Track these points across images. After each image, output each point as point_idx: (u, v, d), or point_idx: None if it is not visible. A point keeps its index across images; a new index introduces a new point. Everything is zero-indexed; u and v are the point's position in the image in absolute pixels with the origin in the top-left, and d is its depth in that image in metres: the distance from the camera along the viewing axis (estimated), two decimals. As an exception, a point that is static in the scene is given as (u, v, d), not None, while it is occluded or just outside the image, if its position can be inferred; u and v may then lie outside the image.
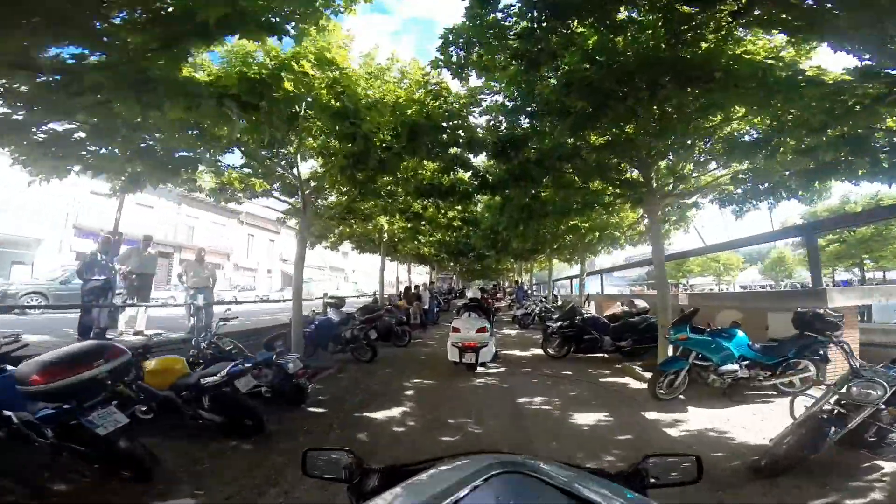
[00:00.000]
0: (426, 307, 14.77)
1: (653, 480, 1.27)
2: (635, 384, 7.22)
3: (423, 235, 15.68)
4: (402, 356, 10.20)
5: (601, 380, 7.64)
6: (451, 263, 31.43)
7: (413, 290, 14.25)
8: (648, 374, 6.76)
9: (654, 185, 8.42)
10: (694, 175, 8.67)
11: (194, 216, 33.95)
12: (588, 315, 9.83)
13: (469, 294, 10.82)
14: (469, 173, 9.53)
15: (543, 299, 17.66)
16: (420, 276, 35.24)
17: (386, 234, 14.70)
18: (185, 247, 32.71)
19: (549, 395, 6.53)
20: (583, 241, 14.53)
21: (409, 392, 6.81)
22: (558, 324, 9.52)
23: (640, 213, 12.89)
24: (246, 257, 39.22)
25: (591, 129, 7.16)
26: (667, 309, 7.94)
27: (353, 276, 51.67)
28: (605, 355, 9.37)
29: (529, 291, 24.06)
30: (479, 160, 9.52)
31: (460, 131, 7.67)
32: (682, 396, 6.05)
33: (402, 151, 7.06)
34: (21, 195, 20.28)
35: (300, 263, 8.50)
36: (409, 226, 13.92)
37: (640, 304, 10.95)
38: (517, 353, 10.52)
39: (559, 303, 16.65)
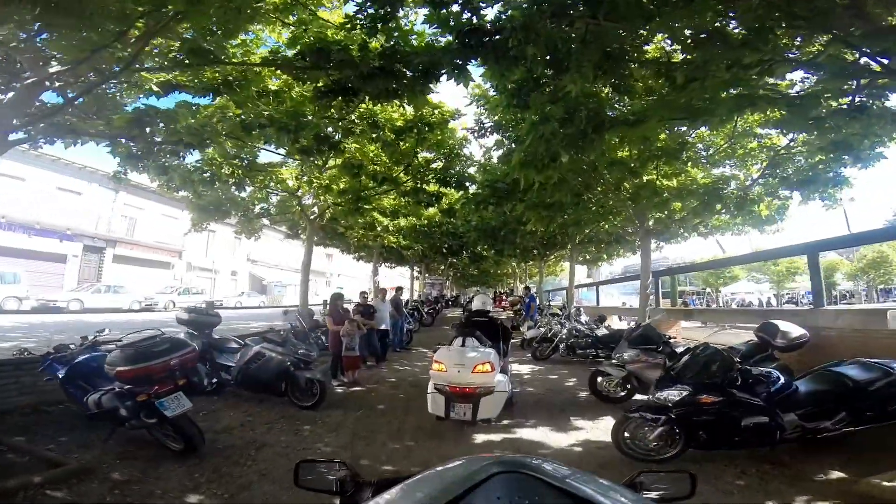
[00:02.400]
0: (383, 326, 9.03)
1: (646, 494, 1.25)
2: None
3: (369, 210, 9.91)
4: (279, 444, 4.49)
5: None
6: (442, 267, 25.69)
7: (361, 299, 8.56)
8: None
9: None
10: None
11: (137, 206, 28.60)
12: (756, 369, 4.14)
13: (475, 304, 6.34)
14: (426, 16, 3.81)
15: (565, 315, 11.80)
16: (406, 280, 29.38)
17: (316, 210, 9.02)
18: (122, 242, 27.21)
19: None
20: (657, 216, 8.85)
21: None
22: (671, 393, 3.89)
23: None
24: (204, 256, 33.63)
25: None
26: None
27: (338, 280, 46.58)
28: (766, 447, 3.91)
29: (540, 303, 18.10)
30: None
31: None
32: None
33: None
34: None
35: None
36: (334, 187, 8.21)
37: (792, 330, 5.51)
38: (549, 438, 4.81)
39: (582, 318, 10.89)
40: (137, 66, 4.05)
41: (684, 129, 6.78)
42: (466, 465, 1.05)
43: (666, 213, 9.05)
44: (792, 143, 7.28)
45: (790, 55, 4.00)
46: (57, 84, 3.97)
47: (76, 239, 24.41)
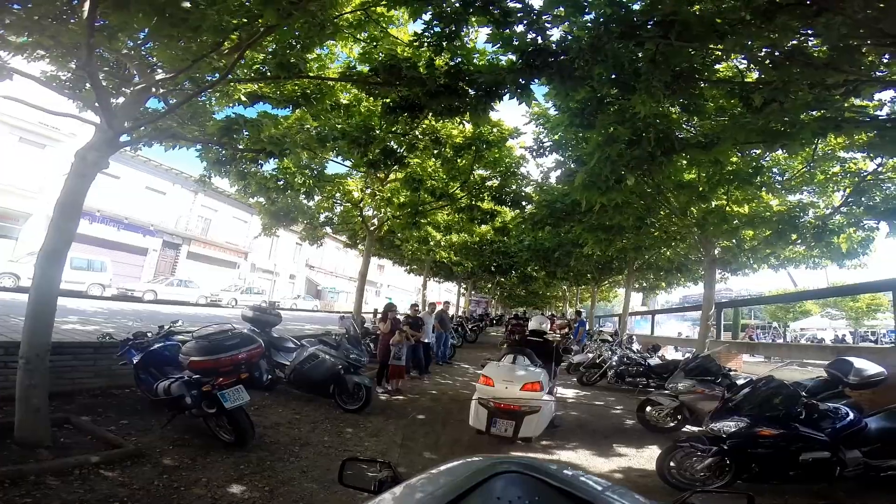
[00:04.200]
0: (427, 340, 9.15)
1: None
2: None
3: (425, 224, 10.11)
4: (321, 444, 4.66)
5: None
6: (489, 285, 25.54)
7: (412, 311, 8.74)
8: None
9: None
10: None
11: (212, 208, 30.71)
12: (824, 404, 3.96)
13: (533, 324, 6.56)
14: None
15: (616, 342, 11.41)
16: (452, 295, 29.48)
17: (376, 221, 9.38)
18: (196, 240, 29.39)
19: None
20: (724, 244, 8.41)
21: None
22: (727, 425, 3.81)
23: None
24: (267, 259, 35.57)
25: None
26: None
27: (387, 290, 47.40)
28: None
29: (590, 328, 17.53)
30: None
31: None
32: None
33: None
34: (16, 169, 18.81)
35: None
36: (395, 200, 8.48)
37: (868, 367, 5.24)
38: (588, 462, 4.67)
39: (634, 346, 10.46)
40: (230, 76, 4.48)
41: (758, 151, 6.43)
42: (467, 465, 1.06)
43: (735, 241, 8.54)
44: (880, 169, 6.71)
45: (878, 73, 3.74)
46: (161, 91, 4.47)
47: (157, 234, 26.51)
